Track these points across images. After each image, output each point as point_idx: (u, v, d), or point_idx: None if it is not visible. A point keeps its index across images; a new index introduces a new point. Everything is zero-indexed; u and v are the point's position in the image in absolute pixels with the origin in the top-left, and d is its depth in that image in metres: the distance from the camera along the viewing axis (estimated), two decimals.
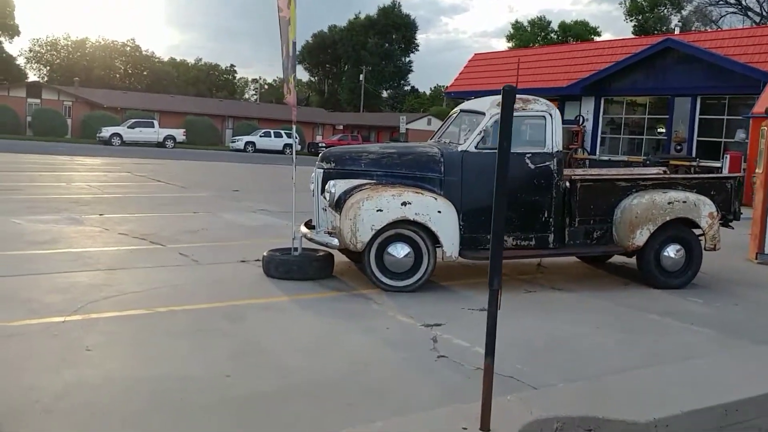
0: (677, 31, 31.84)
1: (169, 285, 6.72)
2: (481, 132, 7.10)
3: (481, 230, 7.08)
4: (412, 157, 7.16)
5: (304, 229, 7.63)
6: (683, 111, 23.56)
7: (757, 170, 9.57)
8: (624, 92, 25.36)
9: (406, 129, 43.60)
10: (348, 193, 6.86)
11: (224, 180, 20.46)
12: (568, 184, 7.28)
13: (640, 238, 7.32)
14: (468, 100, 29.18)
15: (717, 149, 22.10)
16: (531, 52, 32.22)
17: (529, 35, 73.78)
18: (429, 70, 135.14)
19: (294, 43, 7.39)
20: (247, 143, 46.73)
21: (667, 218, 7.36)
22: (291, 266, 7.18)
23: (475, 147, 7.10)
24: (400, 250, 6.81)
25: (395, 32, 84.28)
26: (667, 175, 7.96)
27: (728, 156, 19.51)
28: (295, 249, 7.48)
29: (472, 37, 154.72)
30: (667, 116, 24.18)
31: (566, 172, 7.43)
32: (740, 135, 20.90)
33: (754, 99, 19.90)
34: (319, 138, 57.17)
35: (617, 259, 8.80)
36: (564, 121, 28.03)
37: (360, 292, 6.83)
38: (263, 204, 13.75)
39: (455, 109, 8.10)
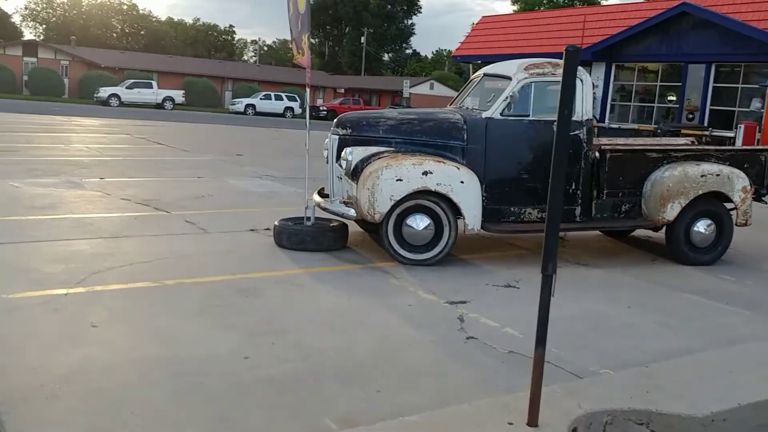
0: None
1: (177, 255, 6.38)
2: (507, 98, 6.70)
3: (505, 201, 6.74)
4: (433, 124, 6.77)
5: (317, 198, 7.27)
6: (696, 78, 23.06)
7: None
8: (636, 58, 24.82)
9: (409, 93, 42.90)
10: (365, 161, 6.49)
11: (226, 143, 20.02)
12: (597, 154, 6.91)
13: (671, 212, 6.98)
14: (475, 64, 28.58)
15: (730, 118, 21.69)
16: (540, 15, 31.53)
17: None
18: (430, 33, 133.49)
19: (308, 0, 6.94)
20: (248, 106, 46.03)
21: (700, 192, 7.01)
22: (304, 237, 6.84)
23: (501, 114, 6.71)
24: (419, 222, 6.47)
25: None
26: (699, 146, 7.58)
27: (742, 126, 19.11)
28: (308, 218, 7.13)
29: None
30: (679, 84, 23.68)
31: (594, 141, 7.03)
32: (756, 104, 20.46)
33: None
34: (320, 101, 56.45)
35: (640, 232, 8.48)
36: None
37: (377, 265, 6.50)
38: (268, 169, 13.37)
39: (477, 73, 7.68)
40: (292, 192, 10.63)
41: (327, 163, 7.39)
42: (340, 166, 6.77)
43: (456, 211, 6.48)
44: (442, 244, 6.53)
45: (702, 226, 7.16)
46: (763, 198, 7.52)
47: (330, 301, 5.35)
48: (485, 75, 7.36)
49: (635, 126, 23.88)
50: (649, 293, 6.09)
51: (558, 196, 3.17)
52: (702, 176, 7.01)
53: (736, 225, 7.27)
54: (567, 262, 7.06)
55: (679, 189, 6.95)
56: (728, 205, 7.24)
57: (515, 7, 71.12)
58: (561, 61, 6.92)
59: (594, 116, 23.17)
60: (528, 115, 6.74)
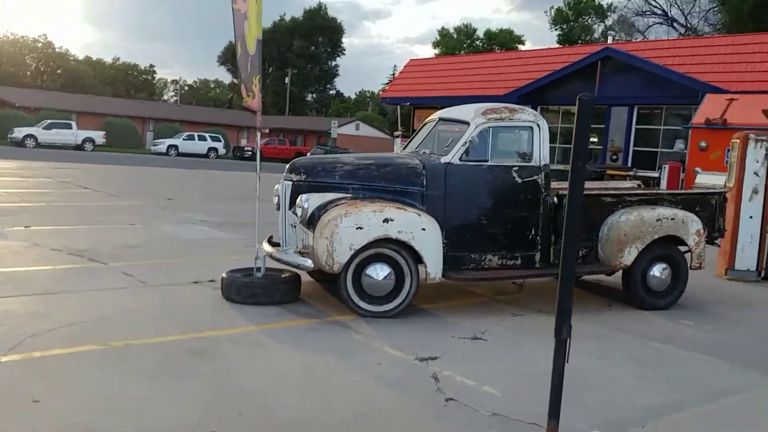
0: (611, 40, 32.29)
1: (120, 312, 5.89)
2: (466, 143, 6.56)
3: (465, 248, 6.54)
4: (392, 169, 6.55)
5: (267, 247, 6.91)
6: (620, 120, 23.81)
7: (728, 184, 9.39)
8: (561, 101, 25.45)
9: (337, 134, 42.82)
10: (322, 209, 6.20)
11: (154, 186, 19.31)
12: (555, 199, 6.82)
13: (629, 257, 6.94)
14: (403, 105, 28.79)
15: (653, 160, 22.40)
16: (468, 59, 32.16)
17: (455, 42, 74.28)
18: (353, 74, 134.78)
19: (259, 40, 6.66)
20: (170, 146, 44.99)
21: (656, 236, 7.01)
22: (255, 289, 6.45)
23: (459, 159, 6.55)
24: (379, 272, 6.19)
25: (321, 35, 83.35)
26: (653, 190, 7.61)
27: (667, 166, 19.70)
28: (258, 269, 6.75)
29: (395, 42, 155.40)
30: (603, 126, 24.38)
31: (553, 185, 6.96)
32: (679, 145, 21.20)
33: (691, 109, 20.21)
34: (244, 142, 55.79)
35: (591, 276, 8.44)
36: None
37: (335, 318, 6.18)
38: (202, 214, 12.85)
39: (432, 117, 7.53)
40: (231, 239, 10.19)
41: (278, 209, 7.06)
42: (294, 213, 6.45)
43: (417, 260, 6.24)
44: (403, 294, 6.26)
45: (658, 270, 7.14)
46: (715, 241, 7.59)
47: (294, 361, 4.98)
48: (440, 119, 7.22)
49: (561, 167, 24.39)
50: (616, 342, 5.97)
51: (571, 253, 2.96)
52: (657, 220, 7.02)
53: (691, 268, 7.29)
54: (527, 309, 6.90)
55: (635, 233, 6.92)
56: (682, 248, 7.26)
57: (437, 51, 72.72)
58: (518, 106, 6.92)
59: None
60: (486, 160, 6.61)
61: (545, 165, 6.75)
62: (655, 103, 22.62)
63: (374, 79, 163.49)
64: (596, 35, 61.80)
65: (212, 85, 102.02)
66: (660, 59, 22.51)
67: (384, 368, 4.92)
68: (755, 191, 8.99)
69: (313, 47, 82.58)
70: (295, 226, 6.48)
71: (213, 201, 15.93)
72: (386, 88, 33.76)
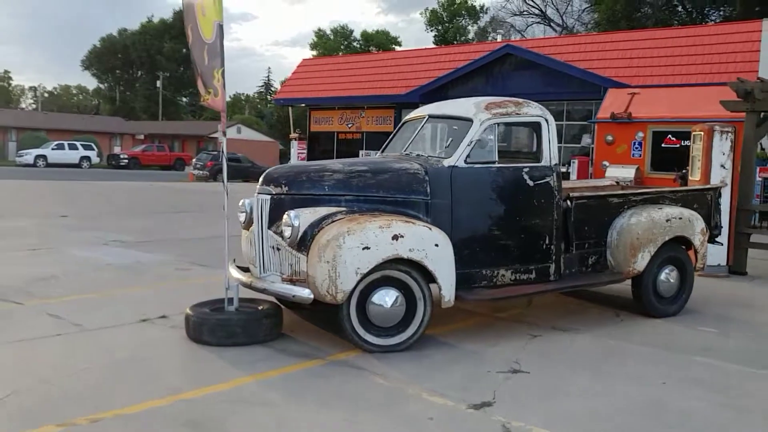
0: (499, 38, 32.51)
1: (67, 372, 4.58)
2: (471, 143, 5.67)
3: (475, 264, 5.66)
4: (390, 176, 5.56)
5: (237, 274, 5.75)
6: None
7: (691, 177, 9.04)
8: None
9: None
10: (316, 227, 5.13)
11: (38, 202, 17.17)
12: (569, 203, 6.07)
13: (642, 262, 6.31)
14: (298, 106, 27.55)
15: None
16: (365, 58, 31.37)
17: (333, 43, 73.49)
18: (227, 77, 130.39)
19: (220, 26, 5.46)
20: (38, 157, 41.33)
21: (666, 238, 6.43)
22: (234, 328, 5.29)
23: (465, 161, 5.66)
24: (387, 298, 5.19)
25: None
26: (655, 189, 7.04)
27: (576, 161, 19.72)
28: (230, 301, 5.58)
29: (264, 45, 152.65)
30: None
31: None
32: (586, 140, 21.31)
33: (593, 104, 20.36)
34: (118, 149, 52.47)
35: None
36: None
37: (337, 357, 5.13)
38: (110, 233, 11.25)
39: (416, 115, 6.59)
40: (159, 261, 8.81)
41: (245, 228, 5.93)
42: (278, 233, 5.34)
43: (429, 281, 5.29)
44: (416, 322, 5.30)
45: (667, 275, 6.57)
46: (716, 240, 7.12)
47: (321, 424, 3.91)
48: (430, 117, 6.27)
49: None
50: (659, 361, 5.27)
51: None
52: (667, 221, 6.44)
53: (695, 270, 6.77)
54: (541, 328, 6.11)
55: (648, 236, 6.30)
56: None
57: (314, 52, 71.51)
58: (523, 100, 6.10)
59: None
60: (494, 162, 5.76)
61: (556, 165, 5.99)
62: (557, 99, 22.68)
63: (246, 82, 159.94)
64: (471, 36, 62.90)
65: (74, 91, 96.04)
66: (561, 56, 22.61)
67: (443, 423, 3.95)
68: (724, 183, 8.65)
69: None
70: (279, 249, 5.36)
71: (115, 216, 14.22)
72: (280, 89, 32.38)
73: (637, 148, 17.45)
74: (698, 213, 6.82)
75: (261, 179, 5.58)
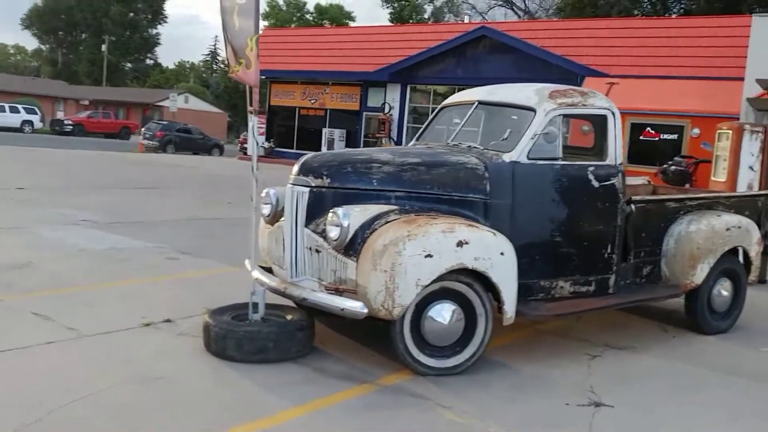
0: (467, 19, 31.86)
1: (74, 396, 3.75)
2: (535, 135, 4.98)
3: (533, 274, 4.99)
4: (446, 171, 4.83)
5: (263, 277, 4.95)
6: None
7: (713, 178, 8.58)
8: (433, 80, 24.51)
9: (175, 107, 38.64)
10: (368, 228, 4.37)
11: None
12: (633, 207, 5.45)
13: (701, 274, 5.75)
14: (266, 78, 26.40)
15: None
16: (332, 32, 30.31)
17: (286, 14, 71.69)
18: (169, 43, 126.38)
19: None
20: None
21: (726, 248, 5.89)
22: (265, 343, 4.52)
23: (528, 157, 4.97)
24: (446, 313, 4.49)
25: (141, 1, 77.05)
26: (710, 193, 6.49)
27: None
28: (255, 309, 4.79)
29: (209, 12, 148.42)
30: None
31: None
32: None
33: None
34: (61, 114, 50.02)
35: None
36: (369, 109, 26.73)
37: (388, 381, 4.41)
38: (76, 210, 10.19)
39: (461, 99, 5.85)
40: (142, 249, 7.89)
41: (271, 224, 5.14)
42: (318, 233, 4.56)
43: (492, 294, 4.61)
44: (476, 342, 4.61)
45: (722, 288, 6.04)
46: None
47: None
48: (481, 103, 5.54)
49: None
50: (746, 392, 4.73)
51: None
52: (727, 229, 5.90)
53: (749, 283, 6.27)
54: (595, 346, 5.48)
55: (708, 246, 5.75)
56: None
57: (266, 23, 69.53)
58: (586, 89, 5.41)
59: (392, 138, 22.11)
60: (558, 158, 5.09)
61: (620, 164, 5.35)
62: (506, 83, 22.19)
63: (192, 50, 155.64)
64: (426, 15, 62.08)
65: (12, 51, 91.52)
66: (537, 41, 22.10)
67: None
68: (750, 187, 8.22)
69: (132, 13, 76.14)
70: (318, 251, 4.58)
71: (77, 190, 13.07)
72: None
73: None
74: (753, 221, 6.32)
75: (296, 168, 4.77)
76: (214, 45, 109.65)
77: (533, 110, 5.08)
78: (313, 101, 28.61)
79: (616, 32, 21.23)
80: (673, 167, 14.53)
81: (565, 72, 20.67)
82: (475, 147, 5.19)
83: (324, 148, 27.14)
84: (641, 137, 19.32)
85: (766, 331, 6.35)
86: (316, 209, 4.63)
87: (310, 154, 4.88)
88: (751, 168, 8.26)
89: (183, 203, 12.37)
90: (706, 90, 17.66)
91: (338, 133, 27.17)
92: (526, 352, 5.20)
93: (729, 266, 6.05)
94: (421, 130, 6.02)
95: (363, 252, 4.30)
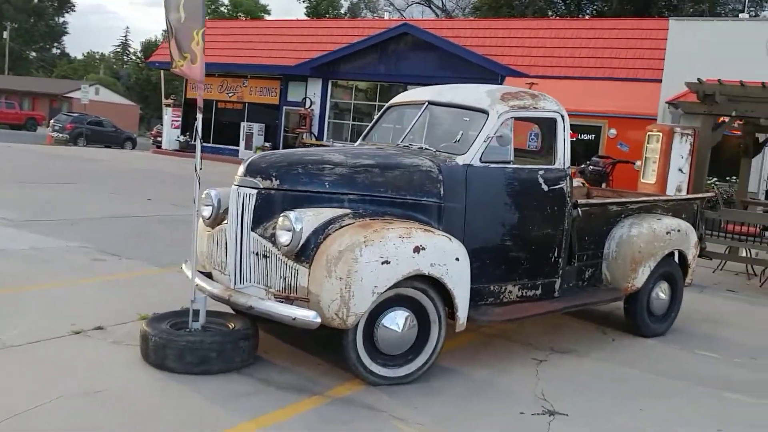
0: (387, 16, 31.80)
1: (10, 414, 3.40)
2: (487, 138, 4.90)
3: (484, 279, 4.91)
4: (401, 174, 4.67)
5: (203, 284, 4.67)
6: None
7: (642, 180, 8.77)
8: (355, 76, 24.34)
9: (87, 99, 36.78)
10: (321, 233, 4.18)
11: None
12: (579, 211, 5.45)
13: (641, 277, 5.82)
14: (171, 70, 26.05)
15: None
16: (252, 24, 29.58)
17: None
18: (78, 33, 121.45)
19: None
20: None
21: (666, 251, 5.99)
22: (208, 353, 4.26)
23: (480, 160, 4.89)
24: (399, 320, 4.34)
25: None
26: (650, 197, 6.57)
27: None
28: (196, 317, 4.52)
29: (117, 3, 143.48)
30: None
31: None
32: None
33: None
34: None
35: None
36: (290, 103, 26.30)
37: (339, 392, 4.23)
38: None
39: (410, 99, 5.71)
40: (63, 249, 7.40)
41: (211, 227, 4.86)
42: (267, 237, 4.33)
43: (446, 300, 4.49)
44: (428, 349, 4.48)
45: (661, 291, 6.14)
46: (704, 254, 6.79)
47: None
48: (431, 103, 5.41)
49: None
50: (692, 396, 4.80)
51: None
52: (667, 233, 5.99)
53: (685, 286, 6.41)
54: (540, 350, 5.46)
55: (649, 250, 5.83)
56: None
57: None
58: (537, 92, 5.39)
59: (312, 134, 21.91)
60: (509, 161, 5.03)
61: (568, 167, 5.34)
62: (452, 84, 22.31)
63: (101, 40, 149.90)
64: (343, 10, 61.73)
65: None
66: (459, 39, 22.25)
67: None
68: (679, 189, 8.44)
69: (37, 0, 72.62)
70: (266, 257, 4.35)
71: None
72: (156, 51, 30.01)
73: (533, 139, 17.34)
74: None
75: (242, 168, 4.52)
76: (125, 36, 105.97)
77: (486, 112, 5.00)
78: (231, 94, 27.96)
79: (537, 33, 21.61)
80: (591, 167, 14.89)
81: (486, 71, 20.91)
82: (426, 149, 5.06)
83: (242, 143, 26.61)
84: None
85: (700, 333, 6.49)
86: (265, 212, 4.39)
87: (256, 155, 4.63)
88: (680, 170, 8.49)
89: (102, 199, 11.78)
90: (624, 91, 18.20)
91: (257, 128, 26.64)
92: (473, 357, 5.13)
93: (667, 269, 6.15)
94: (367, 130, 5.85)
95: (316, 258, 4.11)
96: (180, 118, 28.75)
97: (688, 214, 6.60)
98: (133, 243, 8.16)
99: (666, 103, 15.82)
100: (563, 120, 5.31)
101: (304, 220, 4.17)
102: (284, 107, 26.12)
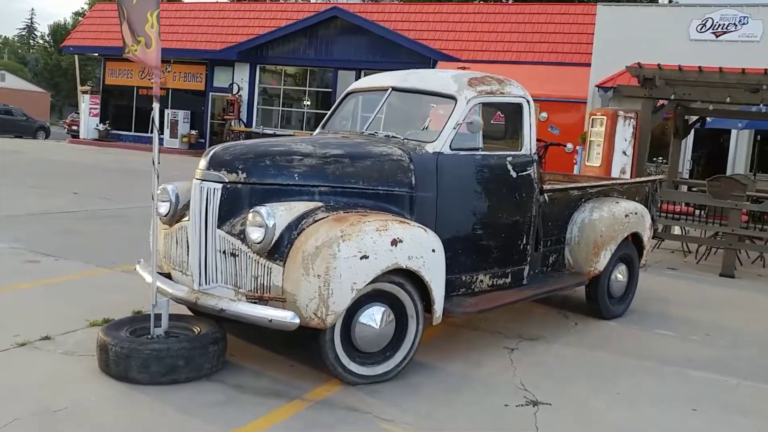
0: None
1: None
2: (456, 125, 4.76)
3: (455, 269, 4.79)
4: (371, 163, 4.48)
5: (164, 286, 4.37)
6: (347, 85, 22.92)
7: (587, 163, 8.85)
8: (284, 61, 23.87)
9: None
10: (295, 229, 3.96)
11: None
12: (546, 197, 5.39)
13: (603, 261, 5.84)
14: (90, 55, 24.73)
15: None
16: (174, 7, 28.49)
17: None
18: None
19: None
20: None
21: (625, 234, 6.02)
22: (174, 361, 3.98)
23: (450, 147, 4.75)
24: (377, 316, 4.18)
25: None
26: (606, 180, 6.59)
27: None
28: (158, 322, 4.23)
29: None
30: (330, 90, 23.38)
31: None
32: None
33: None
34: None
35: None
36: (216, 89, 25.57)
37: (316, 394, 4.04)
38: None
39: (371, 85, 5.51)
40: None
41: (169, 224, 4.57)
42: (235, 235, 4.08)
43: (423, 294, 4.35)
44: (406, 345, 4.34)
45: (619, 273, 6.18)
46: (656, 234, 6.87)
47: None
48: (395, 89, 5.22)
49: (291, 132, 22.91)
50: (659, 376, 4.82)
51: None
52: (626, 216, 6.03)
53: (640, 267, 6.47)
54: (508, 338, 5.39)
55: (610, 233, 5.84)
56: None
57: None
58: (502, 77, 5.29)
59: (241, 120, 21.46)
60: (478, 148, 4.91)
61: (535, 153, 5.27)
62: (384, 69, 22.07)
63: (4, 23, 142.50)
64: None
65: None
66: (389, 23, 22.08)
67: None
68: (623, 171, 8.55)
69: None
70: (235, 255, 4.09)
71: None
72: (71, 35, 28.61)
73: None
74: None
75: (205, 161, 4.23)
76: (30, 18, 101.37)
77: (453, 98, 4.85)
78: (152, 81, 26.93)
79: (467, 17, 21.64)
80: None
81: (417, 56, 20.84)
82: (393, 137, 4.88)
83: (167, 131, 25.76)
84: (492, 121, 19.93)
85: (654, 312, 6.58)
86: (231, 208, 4.14)
87: (218, 146, 4.35)
88: (624, 153, 8.59)
89: (23, 194, 11.12)
90: (553, 75, 18.45)
91: (182, 115, 25.83)
92: (445, 349, 5.02)
93: (625, 251, 6.19)
94: (326, 117, 5.63)
95: (291, 255, 3.89)
96: (98, 106, 27.59)
97: (641, 197, 6.66)
98: (67, 242, 7.70)
99: (596, 86, 16.10)
100: (529, 105, 5.23)
101: (276, 215, 3.93)
102: (210, 93, 25.40)
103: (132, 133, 27.12)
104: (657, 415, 4.13)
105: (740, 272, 8.91)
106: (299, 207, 4.08)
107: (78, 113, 30.32)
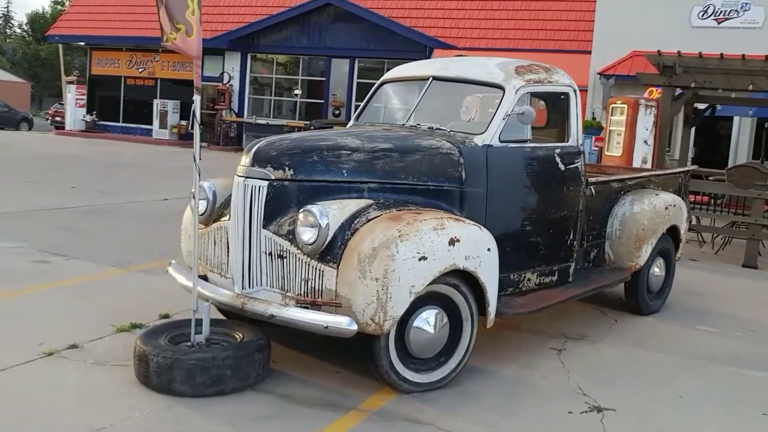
0: None
1: None
2: (506, 115, 4.51)
3: (505, 267, 4.51)
4: (421, 157, 4.23)
5: (205, 291, 4.10)
6: (341, 73, 22.66)
7: (607, 152, 8.64)
8: (277, 49, 23.46)
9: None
10: (348, 229, 3.70)
11: None
12: (593, 190, 5.16)
13: (645, 255, 5.64)
14: (76, 45, 24.20)
15: None
16: None
17: None
18: None
19: None
20: None
21: (666, 227, 5.82)
22: (222, 371, 3.72)
23: (500, 139, 4.50)
24: (432, 320, 3.94)
25: None
26: (644, 172, 6.37)
27: None
28: (198, 329, 3.96)
29: None
30: (323, 78, 23.02)
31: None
32: None
33: None
34: None
35: None
36: (206, 78, 25.06)
37: (371, 404, 3.80)
38: None
39: (408, 73, 5.24)
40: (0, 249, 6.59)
41: (205, 224, 4.29)
42: (284, 236, 3.81)
43: (478, 295, 4.11)
44: (461, 350, 4.10)
45: (658, 267, 5.98)
46: (691, 227, 6.68)
47: None
48: (435, 78, 4.94)
49: (284, 122, 22.55)
50: (717, 378, 4.64)
51: None
52: (666, 208, 5.82)
53: (676, 260, 6.29)
54: (552, 337, 5.18)
55: (651, 226, 5.64)
56: None
57: None
58: (548, 65, 5.04)
59: (232, 110, 21.06)
60: (527, 140, 4.68)
61: (582, 145, 5.04)
62: (379, 57, 21.83)
63: None
64: None
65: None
66: (384, 10, 21.72)
67: None
68: (644, 161, 8.36)
69: None
70: (283, 257, 3.82)
71: None
72: (56, 23, 27.98)
73: (464, 112, 17.23)
74: None
75: (248, 157, 3.95)
76: (6, 7, 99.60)
77: (501, 87, 4.60)
78: (141, 70, 26.45)
79: (463, 4, 21.31)
80: None
81: (413, 44, 20.55)
82: (438, 129, 4.62)
83: (156, 122, 25.28)
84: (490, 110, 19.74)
85: (690, 307, 6.38)
86: (277, 207, 3.87)
87: (262, 141, 4.06)
88: (645, 142, 8.39)
89: (19, 189, 10.74)
90: (553, 63, 18.02)
91: (172, 105, 25.33)
92: (492, 352, 4.77)
93: (664, 245, 5.99)
94: (360, 108, 5.34)
95: (345, 257, 3.63)
96: (85, 97, 27.00)
97: (675, 188, 6.46)
98: (73, 239, 7.39)
99: (597, 74, 15.91)
100: (575, 94, 5.00)
101: (329, 215, 3.68)
102: (201, 83, 24.85)
103: (120, 124, 26.59)
104: (727, 421, 3.94)
105: (761, 262, 8.76)
106: (351, 205, 3.82)
107: (62, 104, 29.72)
